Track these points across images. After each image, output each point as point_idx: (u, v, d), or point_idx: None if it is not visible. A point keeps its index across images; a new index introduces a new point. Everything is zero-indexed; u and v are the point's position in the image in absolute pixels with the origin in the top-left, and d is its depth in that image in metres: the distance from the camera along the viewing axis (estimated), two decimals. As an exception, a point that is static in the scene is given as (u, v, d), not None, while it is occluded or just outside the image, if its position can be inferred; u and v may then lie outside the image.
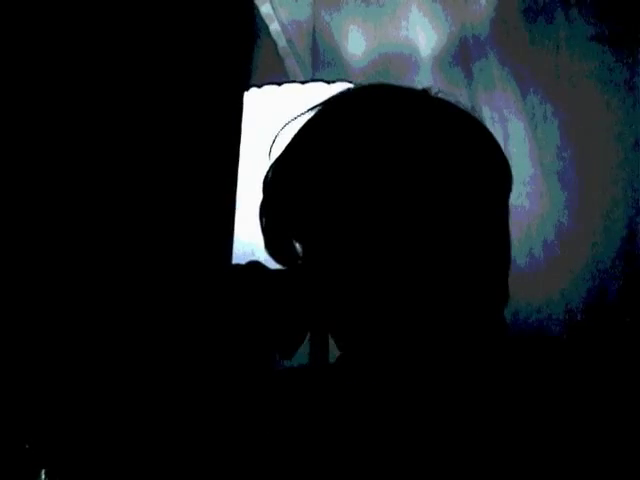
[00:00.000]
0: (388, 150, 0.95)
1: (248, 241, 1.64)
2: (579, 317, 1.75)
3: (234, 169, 1.62)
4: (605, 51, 1.74)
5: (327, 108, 1.03)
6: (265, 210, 1.04)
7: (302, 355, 1.53)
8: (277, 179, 1.02)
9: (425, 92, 1.03)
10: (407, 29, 1.93)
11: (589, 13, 1.75)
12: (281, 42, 1.98)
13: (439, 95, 1.02)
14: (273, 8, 1.96)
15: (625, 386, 0.98)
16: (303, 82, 1.73)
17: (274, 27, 1.97)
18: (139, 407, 1.06)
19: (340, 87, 1.69)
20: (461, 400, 0.96)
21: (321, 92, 1.69)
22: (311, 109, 1.03)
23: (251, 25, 1.95)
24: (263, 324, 0.97)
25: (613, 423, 0.94)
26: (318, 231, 0.98)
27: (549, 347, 1.06)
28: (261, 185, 1.03)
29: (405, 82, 1.86)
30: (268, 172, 1.03)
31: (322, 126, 1.01)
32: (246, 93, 1.71)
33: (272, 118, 1.69)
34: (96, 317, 1.49)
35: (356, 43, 1.97)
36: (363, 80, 1.76)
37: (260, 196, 1.05)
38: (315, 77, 1.93)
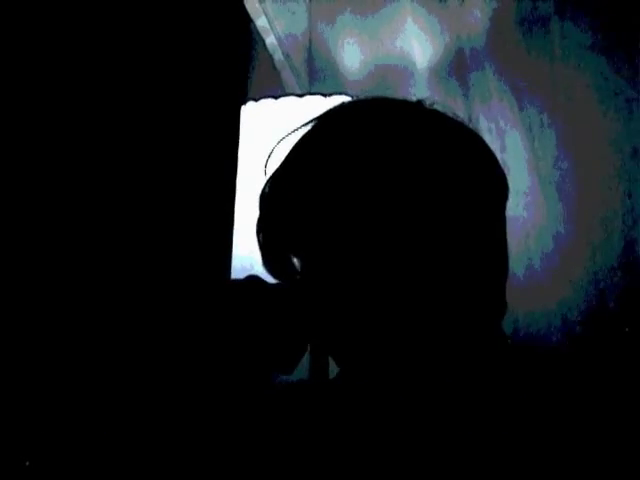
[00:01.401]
0: (384, 164, 0.95)
1: (246, 255, 1.64)
2: (578, 327, 1.75)
3: (232, 183, 1.62)
4: (601, 61, 1.74)
5: (323, 123, 1.03)
6: (262, 225, 1.04)
7: (302, 370, 1.53)
8: (274, 194, 1.02)
9: (420, 103, 1.03)
10: (403, 41, 1.93)
11: (585, 23, 1.75)
12: (277, 55, 1.99)
13: (434, 106, 1.02)
14: (269, 21, 1.96)
15: (624, 395, 0.98)
16: (300, 95, 1.73)
17: (270, 40, 1.98)
18: (135, 424, 1.05)
19: (337, 100, 1.69)
20: (462, 413, 0.96)
21: (318, 105, 1.69)
22: (306, 124, 1.03)
23: (247, 39, 1.95)
24: (262, 339, 0.96)
25: (613, 432, 0.95)
26: (315, 246, 0.98)
27: (548, 357, 1.05)
28: (258, 200, 1.03)
29: (401, 94, 1.88)
30: (265, 187, 1.03)
31: (318, 141, 1.01)
32: (243, 107, 1.71)
33: (269, 131, 1.70)
34: (92, 330, 1.49)
35: (352, 56, 1.98)
36: (360, 92, 1.77)
37: (257, 211, 1.05)
38: (312, 90, 1.93)
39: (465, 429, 0.94)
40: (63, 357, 1.46)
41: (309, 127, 1.03)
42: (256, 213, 1.65)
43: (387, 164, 0.95)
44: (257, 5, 1.94)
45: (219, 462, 1.02)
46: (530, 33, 1.81)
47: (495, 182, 1.01)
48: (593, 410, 0.96)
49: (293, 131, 1.03)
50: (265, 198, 1.03)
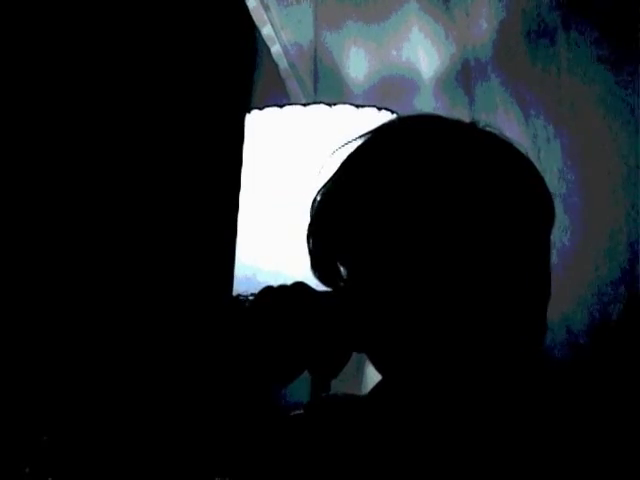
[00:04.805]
0: (437, 181, 0.97)
1: (250, 264, 1.64)
2: (581, 340, 1.74)
3: (236, 191, 1.62)
4: (607, 73, 1.74)
5: (378, 136, 1.05)
6: (312, 232, 1.05)
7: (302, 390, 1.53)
8: (325, 203, 1.04)
9: (473, 125, 1.04)
10: (409, 51, 1.93)
11: (591, 35, 1.75)
12: (283, 64, 1.98)
13: (486, 128, 1.04)
14: (275, 30, 1.96)
15: (628, 407, 0.98)
16: (305, 104, 1.73)
17: (276, 49, 1.97)
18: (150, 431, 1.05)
19: (341, 109, 1.69)
20: (497, 431, 0.97)
21: (323, 114, 1.69)
22: (360, 136, 1.04)
23: (253, 47, 1.95)
24: (308, 344, 0.97)
25: (617, 443, 0.95)
26: (365, 256, 1.00)
27: (551, 369, 1.06)
28: (309, 207, 1.05)
29: (406, 104, 1.88)
30: (317, 195, 1.04)
31: (372, 154, 1.03)
32: (248, 115, 1.71)
33: (274, 140, 1.70)
34: (98, 338, 1.48)
35: (358, 65, 1.98)
36: (365, 102, 1.76)
37: (304, 218, 1.07)
38: (317, 99, 1.93)
39: (500, 450, 0.96)
40: (68, 364, 1.46)
41: (364, 139, 1.04)
42: (261, 221, 1.65)
43: (438, 182, 0.97)
44: (263, 14, 1.94)
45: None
46: (536, 45, 1.80)
47: (542, 206, 1.02)
48: (597, 423, 0.97)
49: (348, 142, 1.05)
50: (317, 206, 1.04)
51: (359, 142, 1.05)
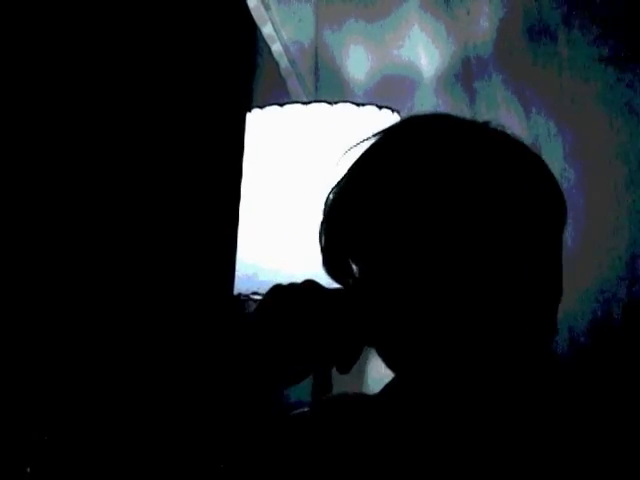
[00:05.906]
0: (450, 180, 0.97)
1: (251, 263, 1.64)
2: (582, 339, 1.74)
3: (237, 190, 1.62)
4: (608, 71, 1.74)
5: (392, 135, 1.05)
6: (325, 230, 1.06)
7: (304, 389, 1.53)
8: (339, 201, 1.04)
9: (486, 125, 1.04)
10: (410, 49, 1.93)
11: (592, 33, 1.75)
12: (283, 63, 1.98)
13: (498, 128, 1.04)
14: (275, 29, 1.96)
15: (629, 406, 0.98)
16: (305, 103, 1.73)
17: (276, 48, 1.97)
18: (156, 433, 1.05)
19: (342, 108, 1.69)
20: (507, 432, 0.97)
21: (323, 113, 1.69)
22: (374, 135, 1.05)
23: (253, 46, 1.95)
24: (320, 340, 0.97)
25: (617, 442, 0.95)
26: (377, 254, 1.00)
27: (552, 369, 1.06)
28: (322, 205, 1.06)
29: (407, 102, 1.88)
30: (330, 194, 1.05)
31: (386, 153, 1.03)
32: (248, 114, 1.71)
33: (274, 139, 1.70)
34: (104, 340, 1.48)
35: (358, 63, 1.97)
36: (365, 100, 1.76)
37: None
38: (317, 98, 1.93)
39: (512, 450, 0.96)
40: (69, 364, 1.46)
41: (377, 138, 1.04)
42: (262, 220, 1.65)
43: (452, 181, 0.98)
44: (263, 12, 1.94)
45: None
46: (537, 42, 1.80)
47: (555, 206, 1.02)
48: (597, 421, 0.97)
49: (362, 141, 1.05)
50: (330, 204, 1.05)
51: (372, 141, 1.05)
